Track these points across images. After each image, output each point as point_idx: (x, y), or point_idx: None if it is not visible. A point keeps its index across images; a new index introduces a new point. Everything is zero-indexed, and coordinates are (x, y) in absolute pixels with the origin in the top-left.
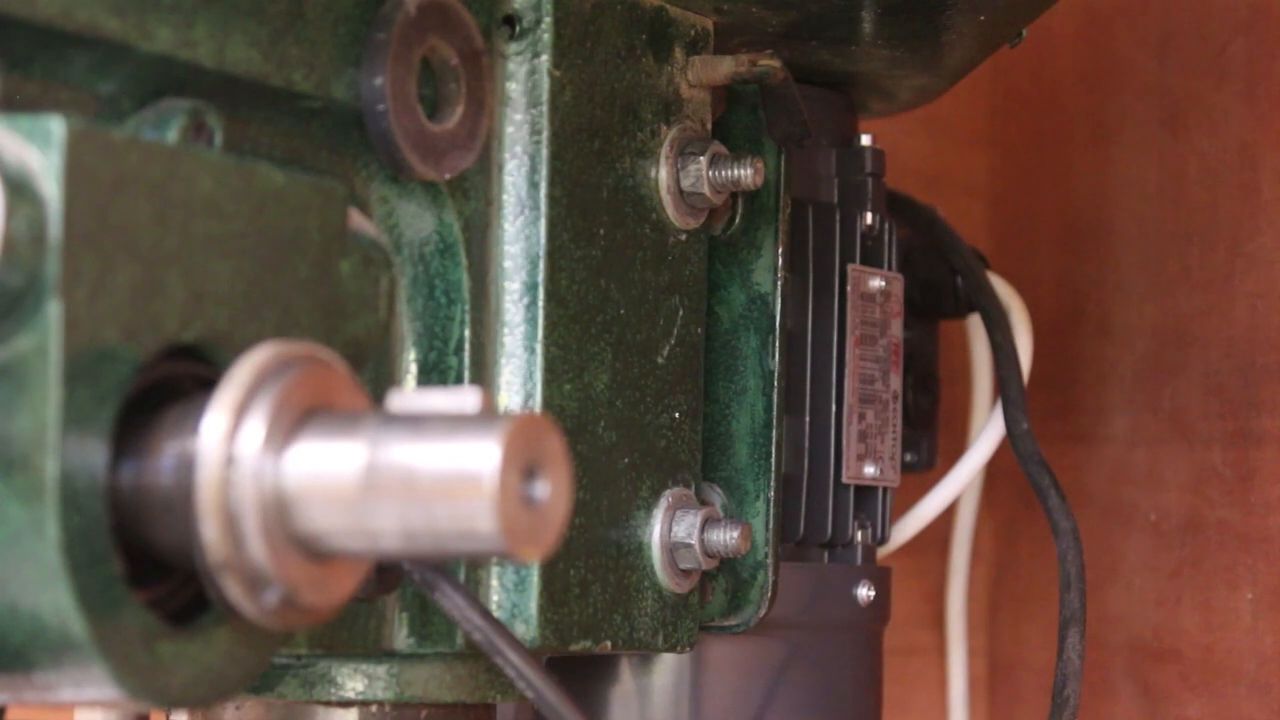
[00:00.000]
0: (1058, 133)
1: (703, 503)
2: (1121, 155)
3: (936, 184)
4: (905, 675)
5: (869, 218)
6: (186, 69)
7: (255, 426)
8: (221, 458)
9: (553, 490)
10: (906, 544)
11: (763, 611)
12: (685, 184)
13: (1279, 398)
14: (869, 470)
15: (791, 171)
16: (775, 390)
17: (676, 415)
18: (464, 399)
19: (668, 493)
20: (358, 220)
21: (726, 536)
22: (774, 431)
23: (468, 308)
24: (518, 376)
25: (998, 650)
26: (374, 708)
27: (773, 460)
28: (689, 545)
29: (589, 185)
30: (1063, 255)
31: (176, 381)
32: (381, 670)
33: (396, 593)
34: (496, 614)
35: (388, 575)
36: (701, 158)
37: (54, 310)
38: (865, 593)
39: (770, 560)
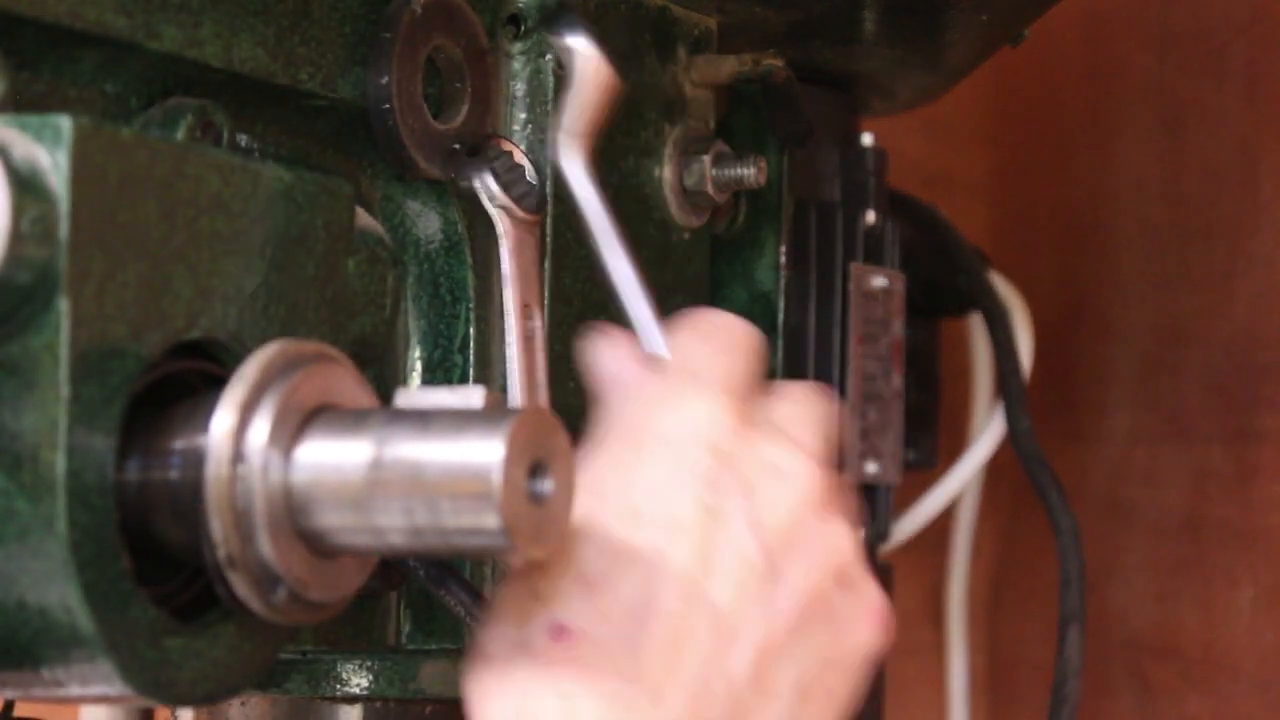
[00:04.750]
0: (1058, 132)
1: None
2: (1122, 155)
3: (938, 183)
4: (906, 672)
5: (871, 216)
6: (194, 68)
7: (263, 424)
8: (230, 455)
9: (558, 486)
10: (907, 541)
11: None
12: (689, 183)
13: (1278, 396)
14: (870, 468)
15: (794, 170)
16: None
17: None
18: (470, 398)
19: None
20: (364, 218)
21: None
22: None
23: (472, 305)
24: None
25: (998, 647)
26: (379, 704)
27: None
28: None
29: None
30: (1063, 254)
31: (183, 378)
32: (386, 666)
33: (402, 589)
34: None
35: (393, 572)
36: (705, 157)
37: (62, 307)
38: None
39: None
